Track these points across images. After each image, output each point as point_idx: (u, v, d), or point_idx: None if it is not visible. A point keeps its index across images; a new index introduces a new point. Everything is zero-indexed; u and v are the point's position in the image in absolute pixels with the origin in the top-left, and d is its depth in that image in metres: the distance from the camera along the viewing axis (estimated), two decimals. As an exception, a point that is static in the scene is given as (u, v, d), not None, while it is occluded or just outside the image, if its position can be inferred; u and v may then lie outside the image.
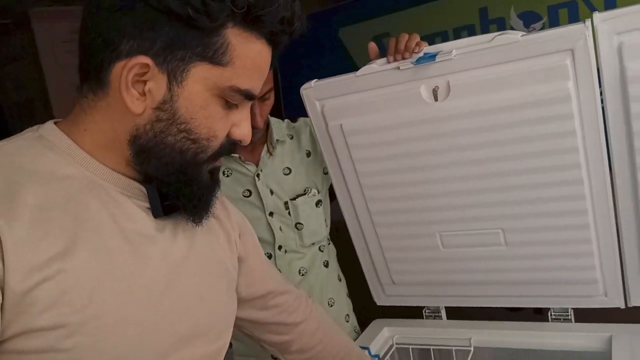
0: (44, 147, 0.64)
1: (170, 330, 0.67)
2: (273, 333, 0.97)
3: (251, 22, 0.62)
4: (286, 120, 1.38)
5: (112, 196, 0.65)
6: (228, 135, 0.68)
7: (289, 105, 1.31)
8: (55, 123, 0.67)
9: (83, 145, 0.65)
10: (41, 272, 0.55)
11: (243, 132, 0.69)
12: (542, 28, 2.29)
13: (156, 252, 0.67)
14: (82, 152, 0.64)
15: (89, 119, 0.65)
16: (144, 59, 0.60)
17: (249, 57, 0.64)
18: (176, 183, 0.67)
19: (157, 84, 0.61)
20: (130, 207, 0.66)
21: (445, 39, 2.55)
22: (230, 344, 1.32)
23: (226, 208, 0.86)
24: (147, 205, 0.68)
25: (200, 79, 0.62)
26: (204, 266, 0.75)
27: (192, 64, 0.61)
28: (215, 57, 0.62)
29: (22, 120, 2.84)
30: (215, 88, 0.63)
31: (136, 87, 0.61)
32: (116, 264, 0.62)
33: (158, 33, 0.59)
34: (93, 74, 0.63)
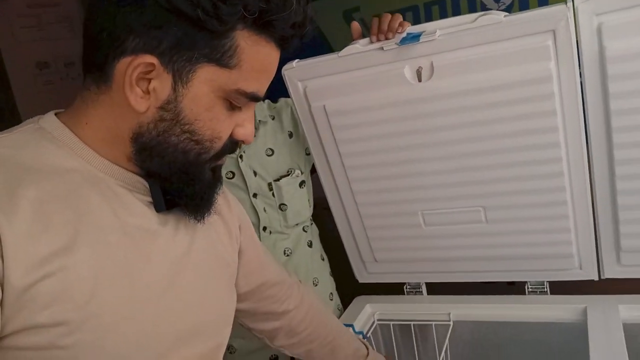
0: (44, 140, 0.62)
1: (171, 327, 0.66)
2: (263, 321, 0.97)
3: (262, 26, 0.61)
4: (267, 100, 1.36)
5: (114, 190, 0.64)
6: (231, 136, 0.67)
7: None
8: (56, 114, 0.66)
9: (84, 139, 0.63)
10: (42, 268, 0.55)
11: (246, 132, 0.68)
12: (512, 3, 2.31)
13: (158, 248, 0.67)
14: (83, 145, 0.63)
15: (91, 112, 0.63)
16: (149, 58, 0.58)
17: (257, 59, 0.63)
18: (178, 182, 0.66)
19: (162, 84, 0.60)
20: (132, 201, 0.65)
21: (416, 13, 2.54)
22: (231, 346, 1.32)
23: (227, 200, 0.86)
24: (149, 199, 0.67)
25: (206, 80, 0.61)
26: (205, 262, 0.74)
27: (198, 65, 0.60)
28: (223, 59, 0.60)
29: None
30: (221, 90, 0.62)
31: (140, 85, 0.60)
32: (117, 260, 0.61)
33: (165, 32, 0.58)
34: (97, 67, 0.62)
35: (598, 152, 1.06)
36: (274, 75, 0.68)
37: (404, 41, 1.03)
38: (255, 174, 1.27)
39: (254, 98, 0.66)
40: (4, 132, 0.63)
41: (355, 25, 1.14)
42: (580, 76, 1.00)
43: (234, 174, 1.26)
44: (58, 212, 0.58)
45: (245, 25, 0.60)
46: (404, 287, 1.43)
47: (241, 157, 1.25)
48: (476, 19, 1.00)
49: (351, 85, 1.11)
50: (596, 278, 1.21)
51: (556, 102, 1.01)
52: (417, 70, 1.06)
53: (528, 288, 1.30)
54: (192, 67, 0.60)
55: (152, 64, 0.59)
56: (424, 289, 1.41)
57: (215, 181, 0.71)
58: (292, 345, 1.03)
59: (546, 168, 1.08)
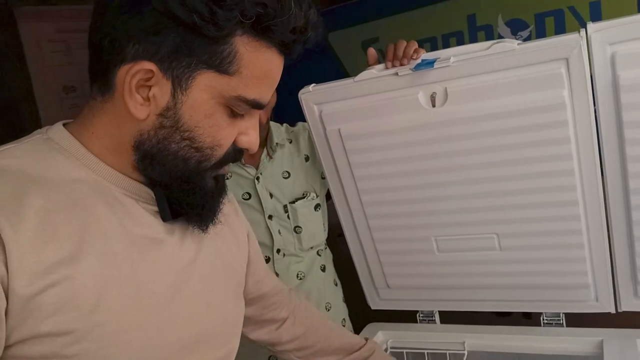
0: (52, 150, 0.63)
1: (177, 336, 0.66)
2: (265, 328, 0.98)
3: (261, 31, 0.60)
4: (285, 124, 1.39)
5: (120, 200, 0.64)
6: (234, 143, 0.67)
7: (278, 110, 1.32)
8: (64, 125, 0.66)
9: (91, 148, 0.64)
10: (47, 277, 0.55)
11: (250, 140, 0.67)
12: (529, 36, 2.33)
13: (163, 257, 0.67)
14: (90, 155, 0.64)
15: (97, 121, 0.64)
16: (148, 65, 0.59)
17: (258, 66, 0.62)
18: (179, 191, 0.66)
19: (162, 90, 0.60)
20: (138, 211, 0.66)
21: (434, 45, 2.58)
22: None
23: (235, 208, 0.86)
24: (156, 208, 0.67)
25: (205, 87, 0.61)
26: (212, 271, 0.74)
27: (197, 71, 0.60)
28: (222, 65, 0.60)
29: (8, 119, 2.81)
30: (221, 97, 0.62)
31: (140, 92, 0.60)
32: (123, 270, 0.61)
33: (164, 38, 0.58)
34: (100, 75, 0.62)
35: (613, 181, 1.05)
36: (277, 82, 0.67)
37: (418, 67, 1.05)
38: (271, 195, 1.29)
39: (256, 105, 0.65)
40: (13, 143, 0.64)
41: (371, 51, 1.16)
42: (594, 104, 1.00)
43: (250, 195, 1.28)
44: (64, 222, 0.58)
45: (244, 30, 0.60)
46: (417, 315, 1.41)
47: (258, 178, 1.27)
48: (490, 46, 1.01)
49: (366, 110, 1.12)
50: (613, 311, 1.19)
51: (570, 129, 1.01)
52: (431, 95, 1.07)
53: (543, 319, 1.27)
54: (191, 73, 0.60)
55: (151, 71, 0.59)
56: (437, 317, 1.39)
57: (219, 190, 0.70)
58: (294, 349, 1.02)
59: (560, 196, 1.07)
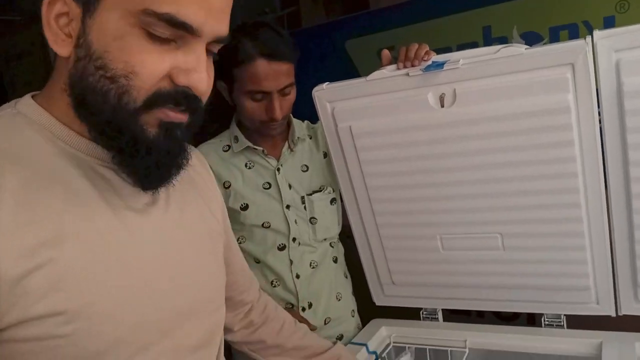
0: (22, 125, 0.60)
1: (169, 307, 0.66)
2: (232, 310, 0.98)
3: None
4: (306, 121, 1.44)
5: (99, 172, 0.62)
6: (173, 81, 0.59)
7: (296, 114, 1.38)
8: (33, 96, 0.64)
9: (58, 116, 0.61)
10: (31, 259, 0.54)
11: (191, 79, 0.59)
12: (544, 48, 2.36)
13: (148, 227, 0.65)
14: (61, 127, 0.61)
15: (52, 82, 0.61)
16: None
17: None
18: (108, 139, 0.59)
19: (76, 20, 0.57)
20: (118, 182, 0.63)
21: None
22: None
23: (210, 173, 0.85)
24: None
25: (111, 6, 0.56)
26: (197, 238, 0.73)
27: None
28: None
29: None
30: (130, 15, 0.55)
31: (64, 30, 0.58)
32: (108, 245, 0.60)
33: None
34: None
35: (615, 185, 1.08)
36: (215, 2, 0.59)
37: (428, 68, 1.09)
38: (290, 186, 1.34)
39: (174, 23, 0.56)
40: None
41: (385, 52, 1.20)
42: (599, 109, 1.03)
43: (270, 184, 1.33)
44: (42, 202, 0.56)
45: None
46: (421, 312, 1.44)
47: (278, 169, 1.33)
48: (498, 50, 1.05)
49: (377, 108, 1.17)
50: (613, 314, 1.21)
51: (574, 132, 1.04)
52: (440, 96, 1.11)
53: (544, 320, 1.30)
54: None
55: (64, 1, 0.57)
56: (440, 315, 1.42)
57: (170, 143, 0.61)
58: (246, 341, 1.02)
59: (563, 198, 1.10)
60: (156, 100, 0.58)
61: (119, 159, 0.61)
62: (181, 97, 0.59)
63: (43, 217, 0.56)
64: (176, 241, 0.69)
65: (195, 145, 1.37)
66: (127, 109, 0.57)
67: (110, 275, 0.59)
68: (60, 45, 0.58)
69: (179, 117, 0.60)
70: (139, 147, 0.59)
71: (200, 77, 0.59)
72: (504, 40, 2.49)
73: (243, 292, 0.99)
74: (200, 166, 0.85)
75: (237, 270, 0.96)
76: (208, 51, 0.62)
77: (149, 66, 0.57)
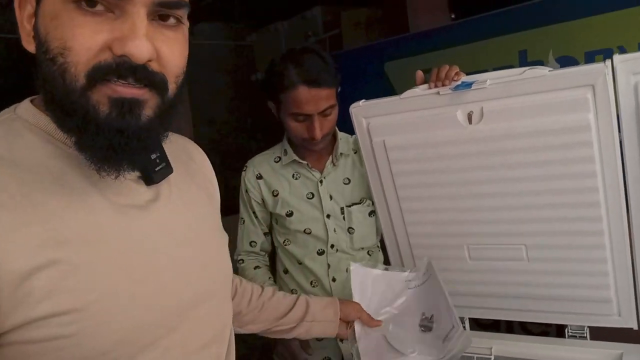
0: (22, 129, 0.61)
1: (175, 302, 0.65)
2: None
3: None
4: (354, 135, 1.55)
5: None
6: (112, 51, 0.56)
7: (342, 129, 1.50)
8: (32, 100, 0.65)
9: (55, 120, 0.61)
10: (33, 260, 0.54)
11: (127, 47, 0.55)
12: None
13: (151, 223, 0.65)
14: (57, 127, 0.61)
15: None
16: None
17: None
18: (64, 123, 0.59)
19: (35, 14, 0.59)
20: (119, 180, 0.62)
21: (485, 77, 2.68)
22: None
23: (211, 169, 0.86)
24: (137, 174, 0.66)
25: None
26: (203, 230, 0.74)
27: None
28: None
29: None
30: None
31: (31, 28, 0.60)
32: (111, 243, 0.60)
33: None
34: None
35: (636, 199, 1.13)
36: None
37: (458, 88, 1.18)
38: (331, 197, 1.46)
39: None
40: None
41: (419, 72, 1.30)
42: (620, 127, 1.10)
43: (313, 195, 1.46)
44: (43, 202, 0.57)
45: None
46: (449, 321, 1.50)
47: (321, 181, 1.46)
48: (524, 71, 1.13)
49: (409, 124, 1.26)
50: (635, 327, 1.25)
51: (594, 149, 1.10)
52: (469, 114, 1.19)
53: (568, 332, 1.34)
54: None
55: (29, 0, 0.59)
56: (467, 324, 1.48)
57: (121, 123, 0.57)
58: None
59: (584, 211, 1.16)
60: (97, 74, 0.56)
61: (75, 141, 0.59)
62: (125, 69, 0.56)
63: (44, 217, 0.56)
64: (181, 236, 0.69)
65: (250, 157, 1.51)
66: (74, 87, 0.56)
67: (114, 273, 0.59)
68: (28, 42, 0.60)
69: (132, 92, 0.57)
70: (88, 125, 0.57)
71: (135, 44, 0.55)
72: (539, 64, 2.54)
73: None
74: (202, 160, 0.85)
75: None
76: (163, 17, 0.60)
77: (81, 39, 0.55)
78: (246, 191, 1.52)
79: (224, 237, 0.82)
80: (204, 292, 0.70)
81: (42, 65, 0.57)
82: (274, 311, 1.13)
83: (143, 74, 0.57)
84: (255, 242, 1.56)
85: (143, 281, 0.62)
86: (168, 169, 0.68)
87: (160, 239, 0.65)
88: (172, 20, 0.60)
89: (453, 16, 3.29)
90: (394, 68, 3.00)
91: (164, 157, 0.68)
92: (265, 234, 1.57)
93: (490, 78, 1.16)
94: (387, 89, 2.93)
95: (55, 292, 0.54)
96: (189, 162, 0.80)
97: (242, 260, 1.56)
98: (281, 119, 1.43)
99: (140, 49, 0.55)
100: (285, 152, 1.50)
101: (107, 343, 0.58)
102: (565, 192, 1.16)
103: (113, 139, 0.57)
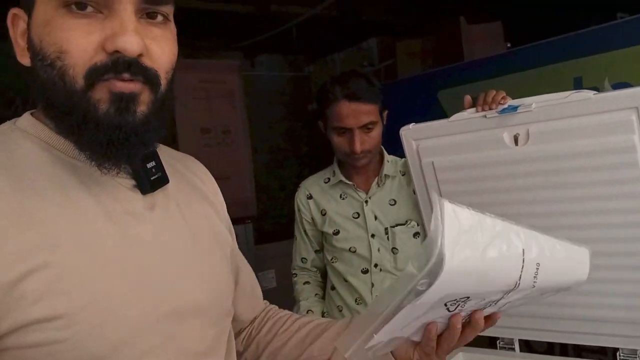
0: (20, 138, 0.63)
1: (170, 309, 0.65)
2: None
3: None
4: (404, 158, 1.61)
5: (94, 177, 0.63)
6: (105, 50, 0.58)
7: (395, 153, 1.58)
8: (32, 113, 0.67)
9: (55, 128, 0.63)
10: (26, 263, 0.55)
11: (117, 42, 0.57)
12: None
13: (147, 231, 0.65)
14: (57, 137, 0.63)
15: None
16: (14, 10, 0.62)
17: None
18: (75, 128, 0.60)
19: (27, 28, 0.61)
20: (114, 187, 0.64)
21: (539, 104, 2.68)
22: None
23: (215, 184, 0.85)
24: (133, 182, 0.66)
25: (41, 0, 0.59)
26: (201, 241, 0.73)
27: None
28: None
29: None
30: None
31: (25, 42, 0.62)
32: (105, 248, 0.60)
33: None
34: None
35: (685, 221, 1.14)
36: None
37: (504, 111, 1.23)
38: (375, 217, 1.52)
39: None
40: None
41: (467, 97, 1.36)
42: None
43: (359, 215, 1.53)
44: (38, 208, 0.58)
45: None
46: (497, 342, 1.51)
47: (366, 202, 1.52)
48: (569, 95, 1.17)
49: (457, 146, 1.31)
50: (689, 351, 1.23)
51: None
52: (515, 135, 1.24)
53: (620, 355, 1.33)
54: None
55: (17, 15, 0.62)
56: (516, 345, 1.49)
57: (119, 119, 0.59)
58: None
59: (633, 231, 1.17)
60: (94, 74, 0.58)
61: (75, 140, 0.61)
62: (120, 64, 0.58)
63: (37, 222, 0.57)
64: (178, 244, 0.68)
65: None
66: (74, 89, 0.58)
67: (107, 277, 0.59)
68: (23, 56, 0.62)
69: (128, 86, 0.59)
70: (88, 123, 0.59)
71: (125, 39, 0.57)
72: (595, 90, 2.53)
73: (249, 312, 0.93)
74: (206, 177, 0.85)
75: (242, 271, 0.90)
76: (151, 15, 0.62)
77: (75, 41, 0.57)
78: (298, 210, 1.61)
79: (229, 249, 0.79)
80: (202, 301, 0.69)
81: (40, 73, 0.59)
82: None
83: (138, 68, 0.59)
84: (305, 258, 1.64)
85: (136, 287, 0.62)
86: (164, 179, 0.69)
87: (155, 247, 0.65)
88: (159, 18, 0.63)
89: (509, 45, 3.31)
90: (447, 96, 3.05)
91: (160, 167, 0.69)
92: (316, 251, 1.65)
93: (535, 101, 1.20)
94: (441, 117, 2.94)
95: (47, 295, 0.55)
96: (191, 177, 0.80)
97: (296, 274, 1.65)
98: (328, 136, 1.52)
99: (131, 43, 0.58)
100: (334, 173, 1.58)
101: (104, 348, 0.58)
102: (613, 213, 1.18)
103: (112, 134, 0.59)
